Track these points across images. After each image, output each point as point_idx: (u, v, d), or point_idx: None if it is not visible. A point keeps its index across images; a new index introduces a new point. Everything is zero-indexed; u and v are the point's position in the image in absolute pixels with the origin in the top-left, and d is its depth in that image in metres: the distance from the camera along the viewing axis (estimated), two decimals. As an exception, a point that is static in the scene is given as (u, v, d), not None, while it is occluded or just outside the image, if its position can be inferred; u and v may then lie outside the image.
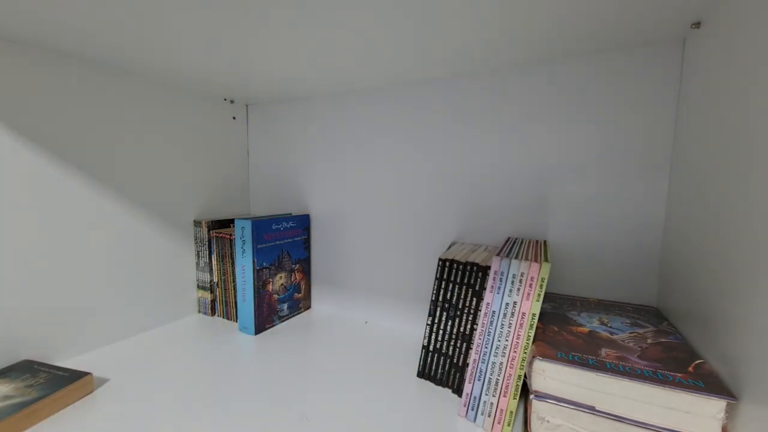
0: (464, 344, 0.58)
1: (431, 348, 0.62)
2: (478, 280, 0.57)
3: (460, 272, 0.59)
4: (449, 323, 0.60)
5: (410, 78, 0.77)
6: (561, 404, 0.42)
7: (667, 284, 0.58)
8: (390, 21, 0.52)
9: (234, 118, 1.01)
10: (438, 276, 0.61)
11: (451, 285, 0.60)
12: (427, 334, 0.62)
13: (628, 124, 0.62)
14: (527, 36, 0.56)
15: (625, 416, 0.40)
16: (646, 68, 0.60)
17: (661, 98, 0.60)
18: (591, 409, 0.41)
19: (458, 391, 0.58)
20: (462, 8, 0.48)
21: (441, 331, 0.61)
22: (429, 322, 0.62)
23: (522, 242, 0.62)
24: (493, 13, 0.49)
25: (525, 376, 0.48)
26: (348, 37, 0.57)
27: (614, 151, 0.63)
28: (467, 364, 0.56)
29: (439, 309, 0.61)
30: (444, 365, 0.60)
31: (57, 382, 0.56)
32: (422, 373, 0.63)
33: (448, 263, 0.61)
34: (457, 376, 0.59)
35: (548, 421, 0.43)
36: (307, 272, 0.96)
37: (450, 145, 0.77)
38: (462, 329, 0.58)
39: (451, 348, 0.60)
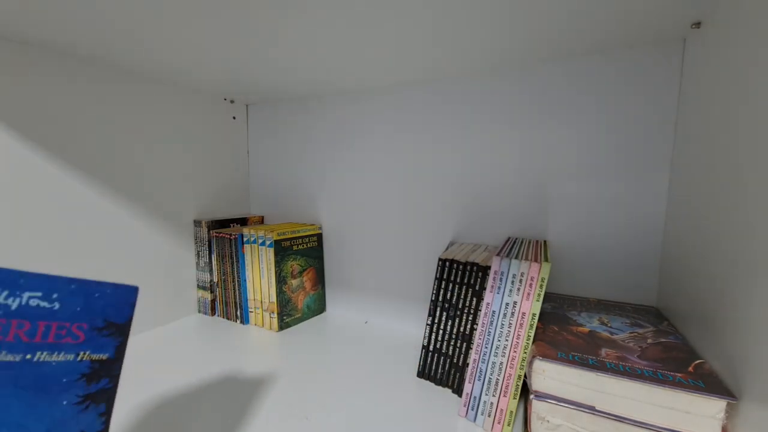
0: (464, 344, 0.58)
1: (431, 348, 0.62)
2: (478, 280, 0.57)
3: (460, 272, 0.59)
4: (449, 323, 0.60)
5: (410, 78, 0.77)
6: (561, 404, 0.42)
7: (667, 284, 0.58)
8: (390, 21, 0.52)
9: (234, 118, 1.01)
10: (438, 276, 0.61)
11: (451, 285, 0.60)
12: (427, 334, 0.62)
13: (628, 123, 0.62)
14: (526, 36, 0.56)
15: (625, 416, 0.40)
16: (646, 68, 0.60)
17: (661, 98, 0.60)
18: (591, 409, 0.41)
19: (458, 391, 0.58)
20: (462, 9, 0.48)
21: (441, 331, 0.61)
22: (429, 322, 0.62)
23: (522, 242, 0.62)
24: (492, 14, 0.49)
25: (525, 376, 0.48)
26: (348, 38, 0.57)
27: (614, 151, 0.63)
28: (467, 364, 0.56)
29: (439, 309, 0.61)
30: (444, 365, 0.60)
31: None
32: (422, 373, 0.63)
33: (448, 263, 0.61)
34: (457, 376, 0.59)
35: (548, 421, 0.43)
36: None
37: (450, 145, 0.77)
38: (462, 329, 0.58)
39: (451, 348, 0.60)
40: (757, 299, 0.36)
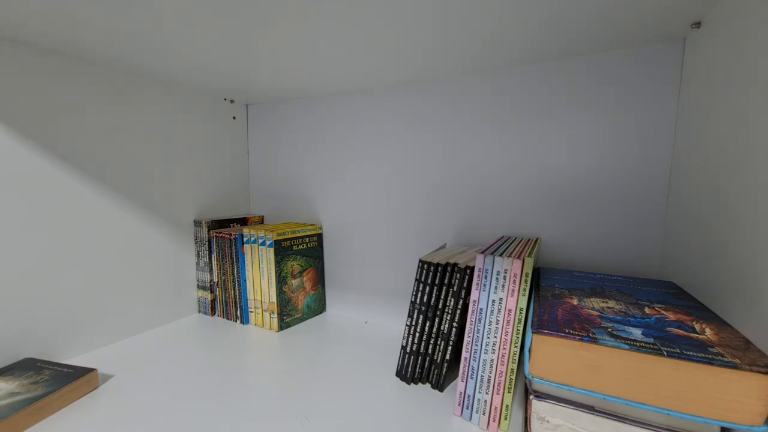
0: (443, 342, 0.59)
1: (409, 349, 0.62)
2: (456, 280, 0.58)
3: (439, 273, 0.60)
4: (427, 323, 0.60)
5: (410, 78, 0.77)
6: (561, 404, 0.42)
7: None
8: (389, 21, 0.52)
9: (234, 118, 1.01)
10: (417, 277, 0.62)
11: (428, 287, 0.60)
12: (406, 335, 0.62)
13: (627, 123, 0.62)
14: (526, 35, 0.56)
15: (625, 416, 0.40)
16: (646, 68, 0.60)
17: (661, 98, 0.59)
18: (591, 409, 0.41)
19: (439, 387, 0.59)
20: (462, 6, 0.48)
21: (418, 333, 0.61)
22: (408, 323, 0.62)
23: (513, 240, 0.63)
24: (493, 12, 0.49)
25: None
26: (347, 38, 0.57)
27: (613, 150, 0.63)
28: (446, 361, 0.56)
29: (416, 310, 0.61)
30: (423, 364, 0.61)
31: (62, 379, 0.56)
32: (411, 378, 0.63)
33: (426, 265, 0.61)
34: (436, 373, 0.59)
35: (548, 422, 0.43)
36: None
37: (449, 145, 0.77)
38: (441, 328, 0.59)
39: (430, 347, 0.60)
40: (757, 301, 0.36)
